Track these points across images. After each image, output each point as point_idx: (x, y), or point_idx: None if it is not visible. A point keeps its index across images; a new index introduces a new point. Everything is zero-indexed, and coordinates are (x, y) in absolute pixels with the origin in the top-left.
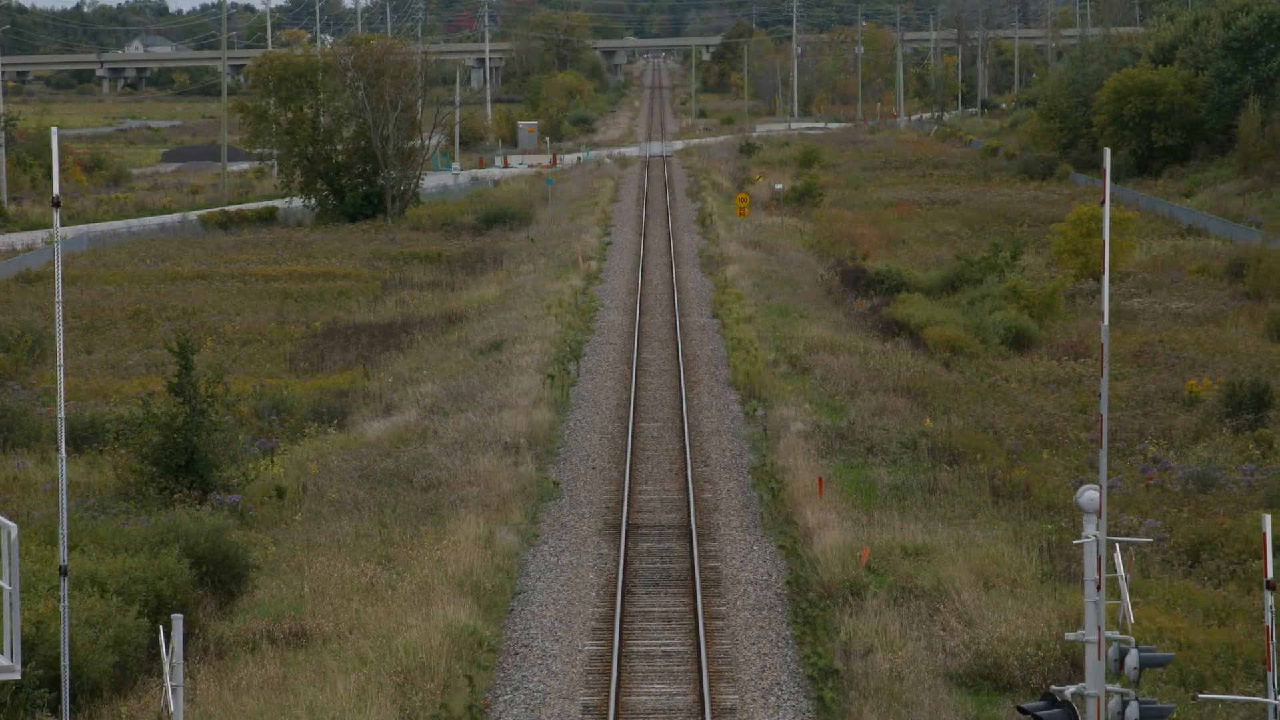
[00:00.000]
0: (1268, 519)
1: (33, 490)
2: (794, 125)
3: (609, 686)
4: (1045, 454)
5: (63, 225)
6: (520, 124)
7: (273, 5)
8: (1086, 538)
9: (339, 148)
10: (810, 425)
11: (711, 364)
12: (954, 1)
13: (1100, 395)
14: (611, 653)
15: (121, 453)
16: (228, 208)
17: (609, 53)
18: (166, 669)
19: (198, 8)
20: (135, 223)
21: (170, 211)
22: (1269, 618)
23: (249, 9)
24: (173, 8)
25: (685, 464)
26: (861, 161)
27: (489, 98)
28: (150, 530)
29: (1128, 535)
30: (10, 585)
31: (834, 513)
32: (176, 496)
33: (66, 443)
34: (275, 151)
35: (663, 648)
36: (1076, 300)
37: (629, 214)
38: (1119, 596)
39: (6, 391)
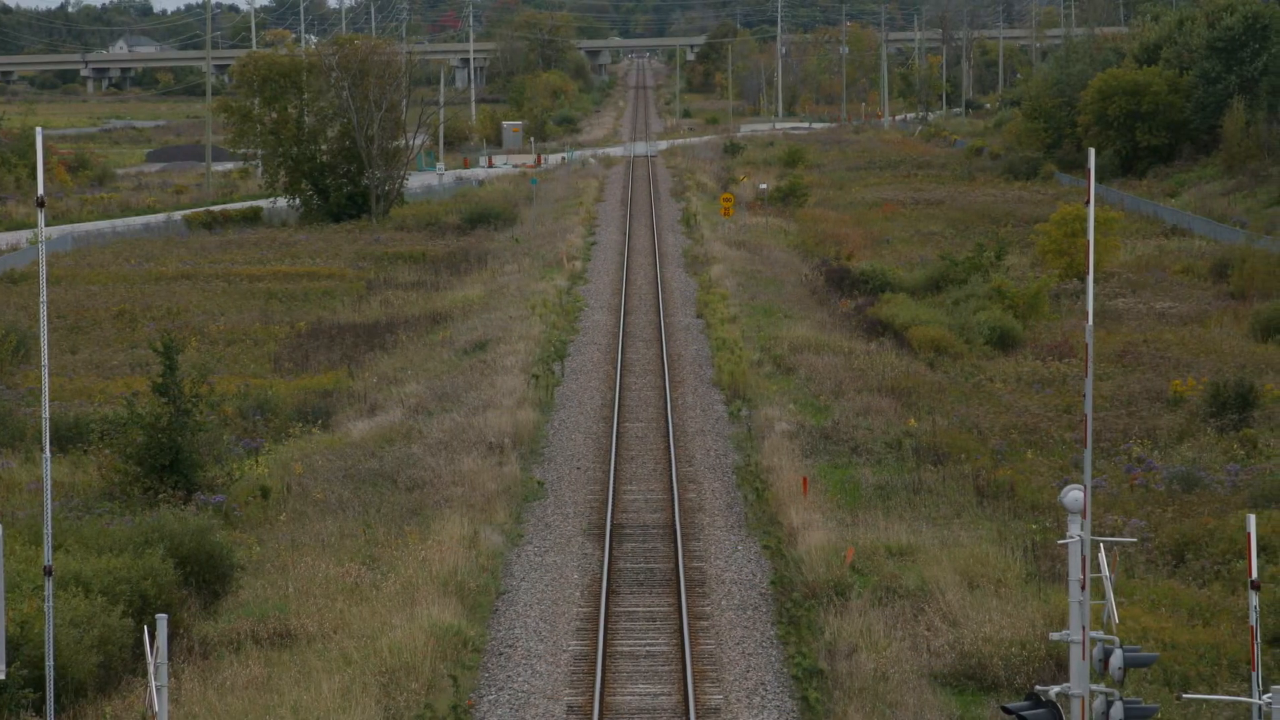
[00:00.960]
0: (1252, 519)
1: (17, 490)
2: (778, 125)
3: (593, 686)
4: (1029, 454)
5: (47, 225)
6: (505, 124)
7: (257, 5)
8: (1071, 538)
9: (323, 148)
10: (794, 425)
11: (696, 364)
12: (938, 1)
13: (1085, 395)
14: (596, 653)
15: (106, 453)
16: (212, 208)
17: (593, 53)
18: (151, 669)
19: (182, 7)
20: (120, 223)
21: (155, 211)
22: (1253, 618)
23: (233, 9)
24: (157, 8)
25: (670, 464)
26: (846, 161)
27: (473, 98)
28: (135, 530)
29: (1112, 535)
30: None
31: (818, 513)
32: (161, 496)
33: (51, 443)
34: (260, 151)
35: (647, 648)
36: (1061, 300)
37: (613, 214)
38: (1103, 596)
39: None
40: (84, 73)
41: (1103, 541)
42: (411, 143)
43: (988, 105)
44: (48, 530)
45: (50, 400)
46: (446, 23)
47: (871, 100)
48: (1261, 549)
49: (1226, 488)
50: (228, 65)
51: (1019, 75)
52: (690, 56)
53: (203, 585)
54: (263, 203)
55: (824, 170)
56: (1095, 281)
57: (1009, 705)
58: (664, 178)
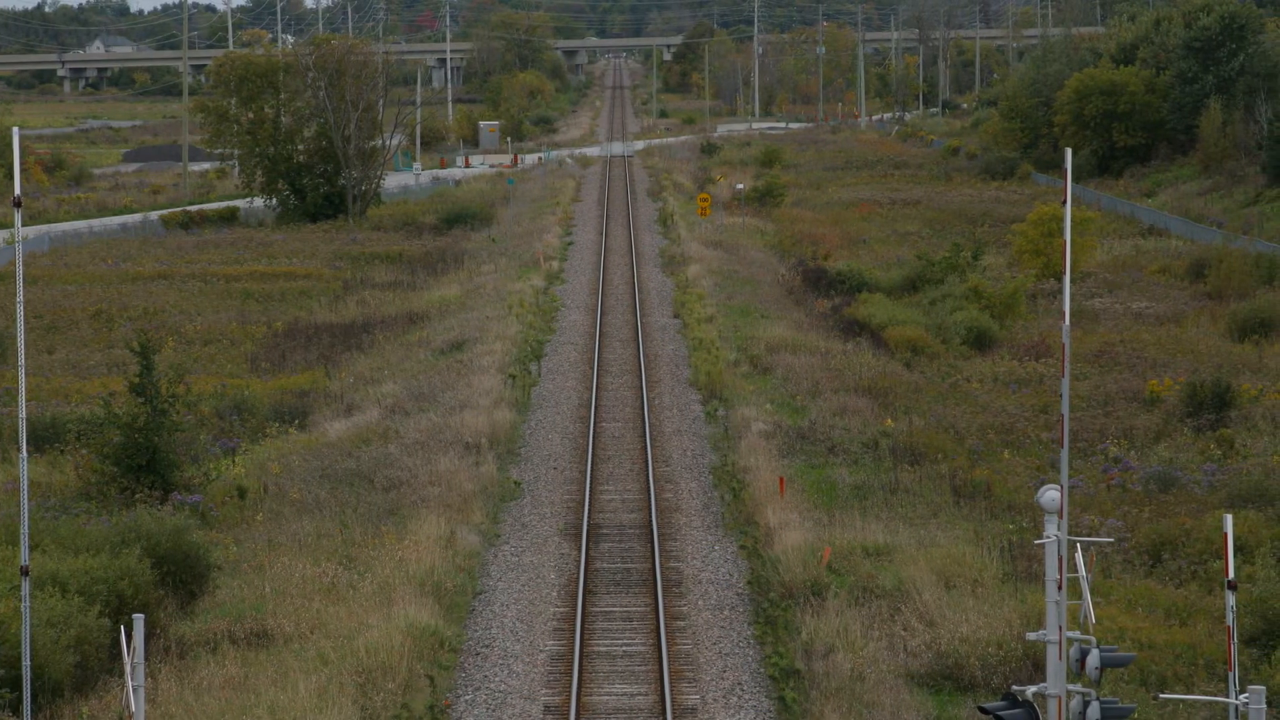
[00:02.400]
0: (1229, 519)
1: None
2: (755, 125)
3: (570, 686)
4: (1006, 454)
5: (24, 225)
6: (481, 124)
7: (234, 5)
8: (1048, 538)
9: (300, 148)
10: (771, 425)
11: (673, 364)
12: (915, 1)
13: (1062, 395)
14: (573, 653)
15: (83, 453)
16: (189, 208)
17: (570, 53)
18: (128, 669)
19: (159, 7)
20: (96, 223)
21: (131, 211)
22: (1230, 618)
23: (210, 9)
24: (134, 8)
25: (646, 464)
26: (823, 161)
27: (450, 98)
28: (111, 530)
29: (1089, 535)
30: None
31: (795, 513)
32: (138, 496)
33: (28, 442)
34: (236, 151)
35: (624, 648)
36: (1038, 300)
37: (590, 214)
38: (1080, 596)
39: None
40: (61, 73)
41: (1079, 541)
42: (388, 143)
43: (964, 105)
44: (24, 530)
45: (27, 400)
46: (423, 23)
47: (848, 100)
48: (1238, 549)
49: (1203, 488)
50: (204, 65)
51: (996, 75)
52: (667, 56)
53: (179, 585)
54: (239, 203)
55: (801, 170)
56: (1072, 281)
57: (986, 705)
58: (641, 178)
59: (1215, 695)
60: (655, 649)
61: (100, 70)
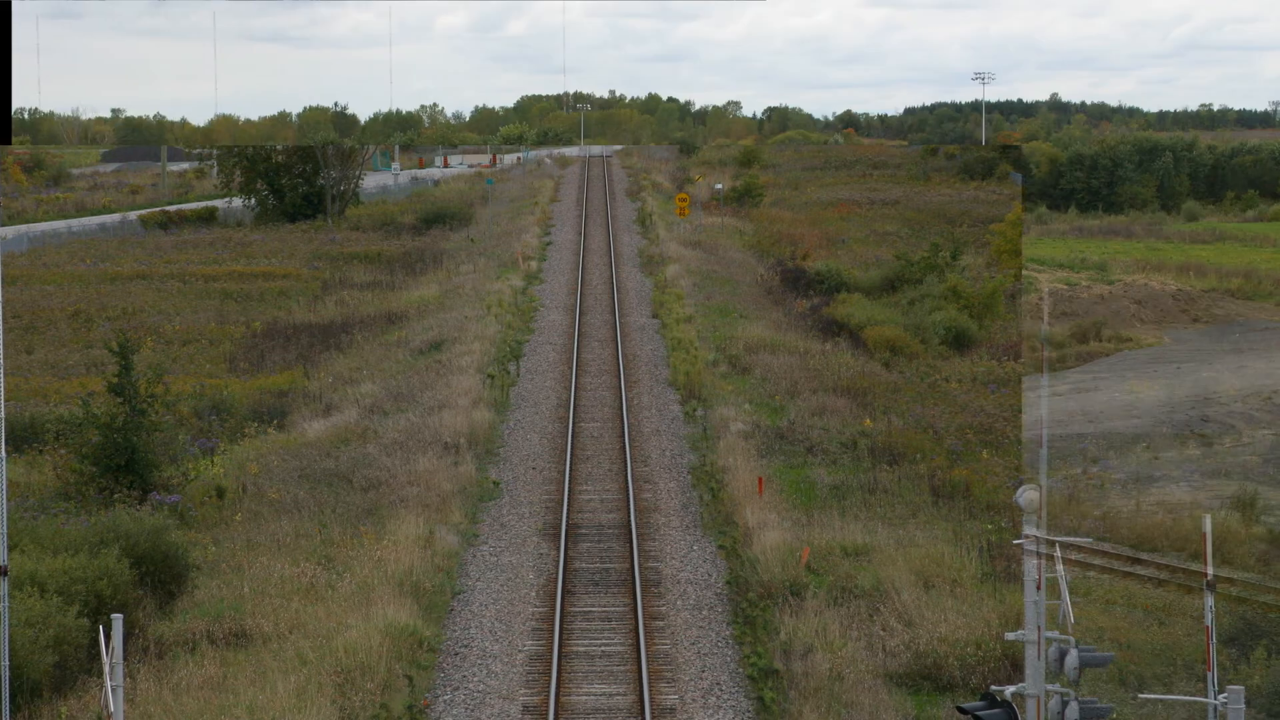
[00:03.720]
0: (1208, 519)
1: None
2: None
3: (549, 686)
4: (985, 454)
5: (2, 225)
6: None
7: None
8: (1026, 537)
9: (279, 148)
10: (750, 425)
11: (651, 364)
12: None
13: (1040, 395)
14: (551, 653)
15: (61, 453)
16: (168, 208)
17: None
18: (106, 669)
19: None
20: (75, 223)
21: (110, 211)
22: (1209, 618)
23: None
24: None
25: (625, 464)
26: (801, 161)
27: None
28: (90, 530)
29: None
30: None
31: (774, 512)
32: (116, 496)
33: (7, 442)
34: (215, 151)
35: (603, 648)
36: (1016, 300)
37: (569, 214)
38: (1059, 596)
39: None
40: None
41: (1058, 541)
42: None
43: None
44: (2, 530)
45: (6, 400)
46: None
47: None
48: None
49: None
50: None
51: None
52: None
53: (158, 585)
54: (218, 203)
55: (779, 170)
56: None
57: (964, 705)
58: (619, 178)
59: (1194, 695)
60: (634, 649)
61: None
